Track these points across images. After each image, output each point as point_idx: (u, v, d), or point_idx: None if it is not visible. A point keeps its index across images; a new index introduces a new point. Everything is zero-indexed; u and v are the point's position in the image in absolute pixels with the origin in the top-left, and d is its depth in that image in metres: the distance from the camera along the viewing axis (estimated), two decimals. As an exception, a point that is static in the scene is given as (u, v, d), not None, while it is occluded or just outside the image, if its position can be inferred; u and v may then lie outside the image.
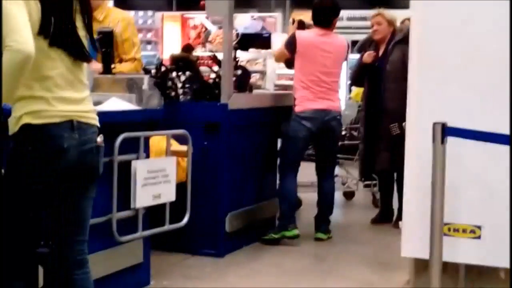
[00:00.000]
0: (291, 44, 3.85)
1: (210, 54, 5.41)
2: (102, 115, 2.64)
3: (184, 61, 3.67)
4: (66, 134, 1.82)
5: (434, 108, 2.56)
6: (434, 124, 2.40)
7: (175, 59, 3.71)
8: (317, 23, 3.85)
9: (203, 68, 4.26)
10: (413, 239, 2.62)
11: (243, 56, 8.50)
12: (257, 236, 3.79)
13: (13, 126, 1.80)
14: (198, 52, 9.18)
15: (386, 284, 3.12)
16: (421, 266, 2.68)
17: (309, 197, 4.64)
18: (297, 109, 3.78)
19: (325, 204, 3.91)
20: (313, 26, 3.91)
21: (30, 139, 1.78)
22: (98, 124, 1.95)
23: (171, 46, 10.19)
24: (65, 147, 1.81)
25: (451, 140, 2.40)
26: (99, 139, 1.92)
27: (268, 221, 3.94)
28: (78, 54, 1.88)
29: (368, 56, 4.20)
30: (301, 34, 3.92)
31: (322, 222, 3.92)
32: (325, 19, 3.82)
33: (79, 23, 1.88)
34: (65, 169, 1.84)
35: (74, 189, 1.92)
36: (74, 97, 1.87)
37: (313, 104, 3.75)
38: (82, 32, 1.90)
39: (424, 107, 2.59)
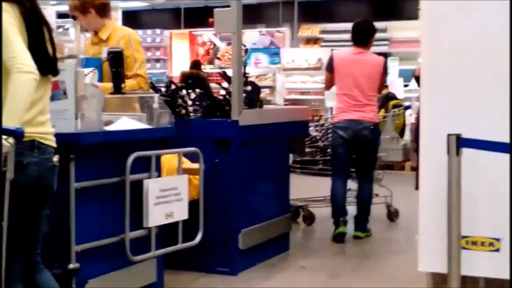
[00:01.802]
0: (329, 64, 4.33)
1: (219, 70, 5.43)
2: (113, 134, 2.67)
3: (194, 78, 3.68)
4: (26, 152, 1.92)
5: (448, 119, 2.52)
6: (449, 135, 2.36)
7: (185, 76, 3.72)
8: (355, 42, 4.26)
9: (212, 85, 4.27)
10: (430, 253, 2.57)
11: (252, 71, 8.54)
12: (271, 253, 3.75)
13: None
14: (207, 69, 9.24)
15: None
16: (439, 280, 2.62)
17: (322, 212, 4.61)
18: (334, 120, 4.29)
19: (360, 205, 4.31)
20: None
21: None
22: (55, 145, 2.06)
23: (180, 64, 10.28)
24: (25, 163, 1.91)
25: (466, 151, 2.37)
26: (55, 158, 2.02)
27: (281, 237, 3.90)
28: (50, 72, 2.02)
29: (418, 69, 4.35)
30: (337, 53, 4.49)
31: (359, 221, 4.30)
32: (362, 39, 4.22)
33: (50, 50, 2.01)
34: (27, 184, 1.93)
35: (33, 206, 2.01)
36: (40, 120, 1.98)
37: (345, 115, 4.18)
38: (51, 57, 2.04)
39: (437, 118, 2.56)
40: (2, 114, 1.79)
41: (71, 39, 2.58)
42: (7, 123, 1.75)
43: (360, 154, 4.24)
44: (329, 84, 4.39)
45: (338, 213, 4.23)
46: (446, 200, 2.37)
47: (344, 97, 4.20)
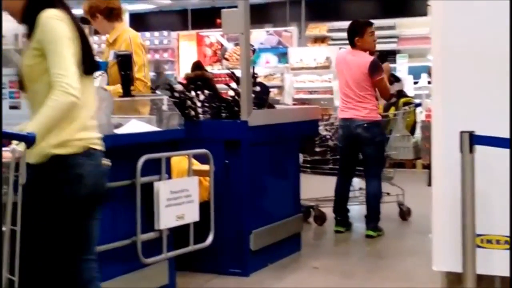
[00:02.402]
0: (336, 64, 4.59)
1: (227, 71, 5.42)
2: (123, 137, 2.66)
3: (200, 79, 3.66)
4: (85, 161, 1.88)
5: (460, 117, 2.49)
6: (461, 133, 2.33)
7: (190, 78, 3.70)
8: (349, 43, 4.43)
9: (220, 86, 4.26)
10: (445, 252, 2.54)
11: (260, 72, 8.51)
12: (282, 253, 3.74)
13: (38, 156, 1.83)
14: (215, 69, 9.23)
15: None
16: (454, 279, 2.59)
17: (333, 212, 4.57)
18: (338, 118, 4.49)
19: (368, 204, 4.34)
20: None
21: (58, 169, 1.83)
22: (104, 149, 2.03)
23: (188, 65, 10.27)
24: (84, 174, 1.86)
25: (479, 148, 2.33)
26: (107, 161, 1.98)
27: (293, 237, 3.88)
28: (96, 69, 2.00)
29: None
30: (338, 53, 4.75)
31: (369, 220, 4.33)
32: (349, 40, 4.37)
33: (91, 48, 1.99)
34: (85, 194, 1.89)
35: (89, 214, 1.96)
36: (91, 124, 1.95)
37: (342, 114, 4.33)
38: None
39: (449, 115, 2.53)
40: (30, 123, 1.77)
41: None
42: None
43: (361, 152, 4.32)
44: None
45: (335, 211, 4.41)
46: (460, 198, 2.34)
47: (341, 96, 4.36)
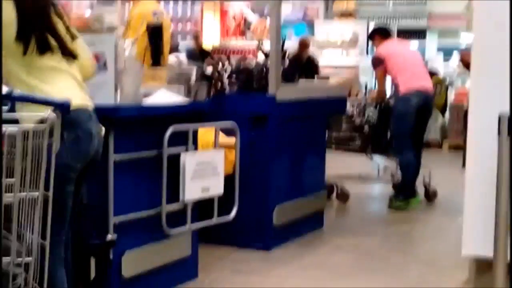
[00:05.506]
0: (377, 59, 4.62)
1: (253, 43, 5.33)
2: (151, 108, 2.63)
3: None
4: (90, 121, 1.85)
5: (499, 99, 2.40)
6: (500, 115, 2.25)
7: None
8: (389, 36, 4.78)
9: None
10: (475, 237, 2.49)
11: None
12: (305, 230, 3.72)
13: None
14: (239, 42, 9.11)
15: (442, 284, 2.98)
16: (482, 265, 2.54)
17: (356, 190, 4.53)
18: (402, 90, 4.36)
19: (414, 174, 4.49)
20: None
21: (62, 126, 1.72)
22: None
23: (211, 36, 10.16)
24: (93, 132, 1.84)
25: (517, 132, 2.25)
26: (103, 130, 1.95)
27: (316, 214, 3.86)
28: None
29: (465, 54, 5.09)
30: (379, 50, 4.73)
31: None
32: (388, 35, 4.78)
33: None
34: (91, 156, 1.86)
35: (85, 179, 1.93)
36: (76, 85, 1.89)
37: (414, 84, 4.35)
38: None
39: (488, 97, 2.44)
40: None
41: (113, 10, 2.52)
42: None
43: (422, 123, 4.43)
44: (383, 76, 4.56)
45: (411, 186, 4.45)
46: (493, 182, 2.27)
47: (410, 69, 4.38)
